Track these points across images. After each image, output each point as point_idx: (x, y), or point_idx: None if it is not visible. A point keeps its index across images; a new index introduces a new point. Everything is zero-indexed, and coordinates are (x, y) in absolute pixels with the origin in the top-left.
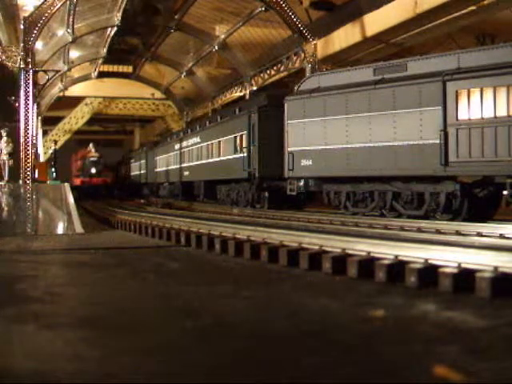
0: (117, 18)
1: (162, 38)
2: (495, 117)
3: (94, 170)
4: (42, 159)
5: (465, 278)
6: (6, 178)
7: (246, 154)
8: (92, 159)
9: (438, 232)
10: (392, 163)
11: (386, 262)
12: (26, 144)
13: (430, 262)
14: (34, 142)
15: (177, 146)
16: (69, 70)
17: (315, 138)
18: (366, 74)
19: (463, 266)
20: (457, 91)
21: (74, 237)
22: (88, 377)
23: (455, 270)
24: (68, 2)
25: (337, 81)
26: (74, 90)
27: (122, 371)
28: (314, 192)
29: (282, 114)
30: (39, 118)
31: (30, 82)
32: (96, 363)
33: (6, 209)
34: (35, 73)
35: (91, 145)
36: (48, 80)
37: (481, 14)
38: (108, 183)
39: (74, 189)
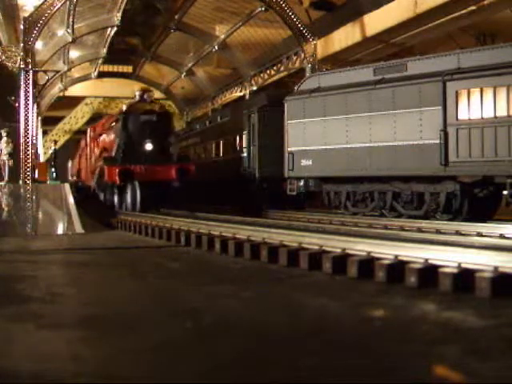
0: (117, 18)
1: (162, 38)
2: (495, 117)
3: (150, 146)
4: (42, 159)
5: (465, 277)
6: (6, 178)
7: (245, 154)
8: (147, 117)
9: (438, 232)
10: (392, 163)
11: (386, 261)
12: (26, 144)
13: (429, 261)
14: (34, 142)
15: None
16: (69, 70)
17: (315, 137)
18: (366, 74)
19: (463, 265)
20: (457, 91)
21: (74, 237)
22: (88, 377)
23: (455, 270)
24: (68, 2)
25: (337, 81)
26: (74, 90)
27: (122, 371)
28: (314, 192)
29: (282, 114)
30: (39, 118)
31: (30, 82)
32: (96, 363)
33: (6, 209)
34: (35, 73)
35: (137, 92)
36: (48, 80)
37: (481, 14)
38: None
39: (80, 192)
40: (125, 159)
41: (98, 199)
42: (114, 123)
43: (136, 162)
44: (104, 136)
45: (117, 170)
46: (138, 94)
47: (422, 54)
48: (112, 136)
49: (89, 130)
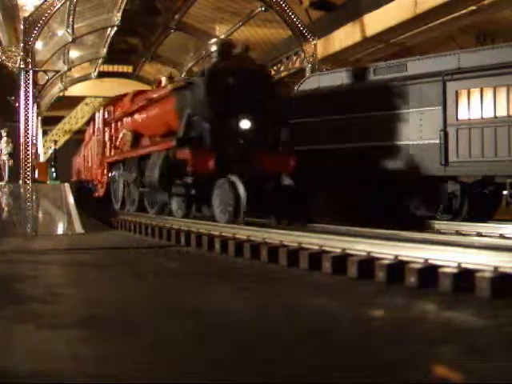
0: (117, 17)
1: (162, 38)
2: (495, 117)
3: (247, 124)
4: (42, 159)
5: (465, 277)
6: (6, 178)
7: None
8: (241, 80)
9: (438, 232)
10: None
11: (386, 261)
12: (26, 144)
13: (429, 262)
14: (34, 141)
15: None
16: (69, 70)
17: (314, 137)
18: (366, 74)
19: (463, 265)
20: (457, 91)
21: (74, 237)
22: (88, 377)
23: (455, 270)
24: (68, 2)
25: (337, 81)
26: (74, 90)
27: (122, 371)
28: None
29: None
30: (39, 118)
31: (30, 82)
32: (96, 363)
33: (6, 209)
34: (35, 73)
35: (214, 47)
36: (48, 80)
37: (481, 14)
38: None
39: (83, 192)
40: (213, 142)
41: (105, 201)
42: (172, 93)
43: (228, 146)
44: (140, 115)
45: (212, 158)
46: (216, 49)
47: (421, 54)
48: (167, 111)
49: (100, 113)
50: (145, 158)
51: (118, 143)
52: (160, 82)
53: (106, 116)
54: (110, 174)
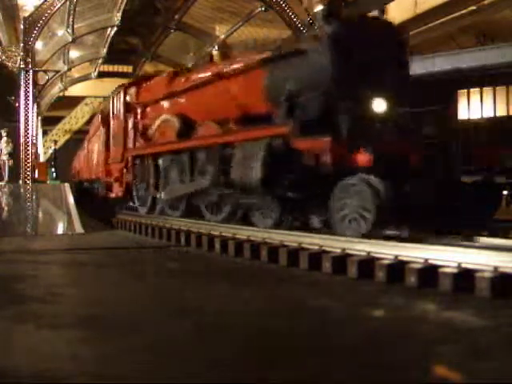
0: (117, 17)
1: (161, 38)
2: (495, 117)
3: (383, 105)
4: (42, 159)
5: (465, 277)
6: (6, 178)
7: None
8: (377, 46)
9: (438, 232)
10: None
11: (386, 261)
12: (26, 144)
13: (429, 262)
14: (34, 141)
15: None
16: (69, 70)
17: None
18: None
19: (463, 266)
20: (457, 91)
21: (74, 237)
22: (88, 377)
23: (455, 270)
24: (68, 2)
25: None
26: (74, 90)
27: (122, 371)
28: None
29: None
30: (39, 118)
31: (30, 82)
32: (96, 363)
33: (6, 209)
34: (35, 73)
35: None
36: (48, 80)
37: (481, 14)
38: None
39: (86, 193)
40: (350, 129)
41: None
42: (261, 65)
43: (367, 134)
44: (194, 96)
45: (367, 150)
46: (323, 8)
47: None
48: (249, 88)
49: (119, 96)
50: (211, 151)
51: (151, 132)
52: (212, 58)
53: (129, 100)
54: (134, 171)
